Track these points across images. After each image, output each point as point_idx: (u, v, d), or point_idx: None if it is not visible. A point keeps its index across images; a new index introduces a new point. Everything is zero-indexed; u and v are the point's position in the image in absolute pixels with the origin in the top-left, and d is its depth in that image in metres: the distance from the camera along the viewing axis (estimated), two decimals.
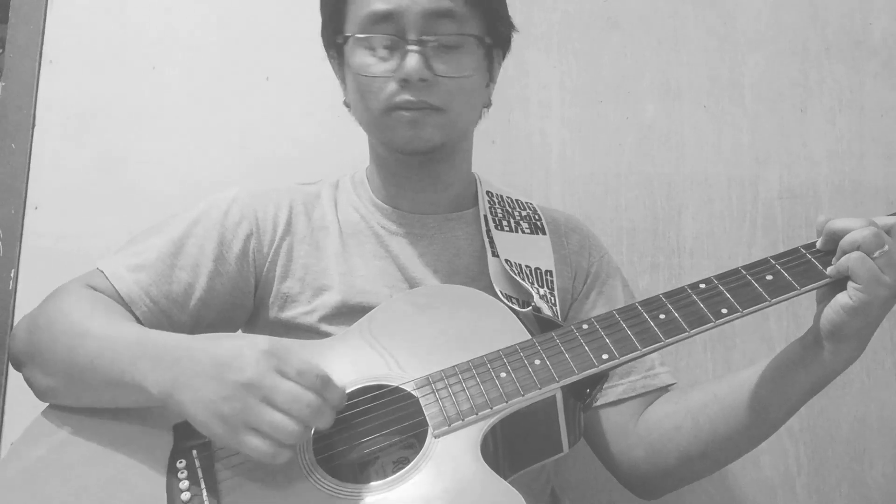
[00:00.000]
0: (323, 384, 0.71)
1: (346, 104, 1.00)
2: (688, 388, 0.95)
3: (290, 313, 0.93)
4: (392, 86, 0.89)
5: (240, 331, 0.99)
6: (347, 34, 0.92)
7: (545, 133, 1.36)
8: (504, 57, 1.02)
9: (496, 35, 0.96)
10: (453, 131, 0.94)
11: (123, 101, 1.31)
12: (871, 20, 1.42)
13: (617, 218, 1.35)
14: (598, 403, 0.97)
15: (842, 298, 0.75)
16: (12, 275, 1.24)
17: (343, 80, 0.99)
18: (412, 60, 0.87)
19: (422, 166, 0.97)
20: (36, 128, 1.29)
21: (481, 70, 0.95)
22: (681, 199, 1.36)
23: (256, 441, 0.69)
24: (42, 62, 1.30)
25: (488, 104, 1.02)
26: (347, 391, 0.80)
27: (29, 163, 1.28)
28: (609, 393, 0.97)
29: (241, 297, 0.94)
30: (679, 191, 1.36)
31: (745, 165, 1.37)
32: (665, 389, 0.99)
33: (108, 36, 1.32)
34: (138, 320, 0.89)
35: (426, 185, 0.99)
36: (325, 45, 1.00)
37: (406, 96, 0.89)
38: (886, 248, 0.74)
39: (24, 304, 1.23)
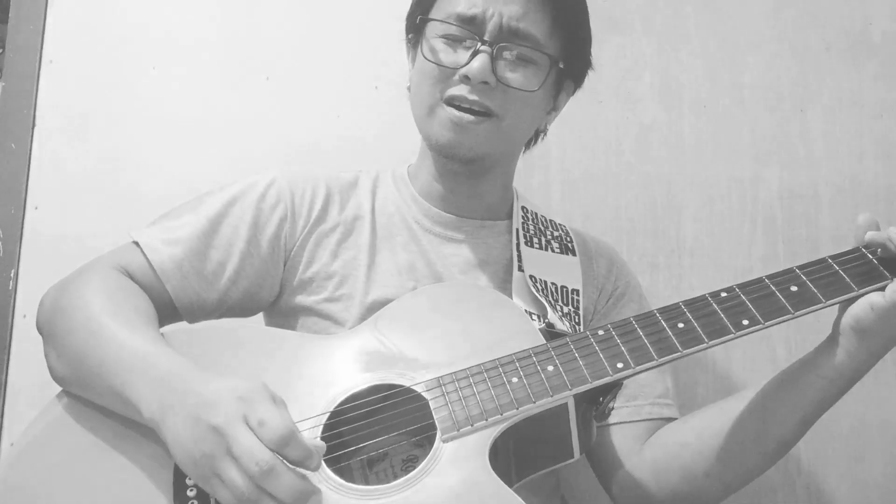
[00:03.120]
0: (282, 441, 0.64)
1: (409, 89, 1.00)
2: (694, 411, 0.94)
3: (312, 298, 0.94)
4: (455, 79, 0.90)
5: (261, 314, 0.99)
6: (428, 16, 0.93)
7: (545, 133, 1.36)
8: (574, 91, 1.03)
9: (570, 65, 0.97)
10: (501, 143, 0.95)
11: (123, 101, 1.31)
12: (871, 20, 1.42)
13: (617, 218, 1.35)
14: (601, 423, 0.94)
15: (873, 297, 0.74)
16: (12, 275, 1.24)
17: (413, 65, 1.00)
18: (479, 60, 0.89)
19: (458, 172, 0.98)
20: (36, 128, 1.28)
21: (547, 93, 0.97)
22: (681, 199, 1.36)
23: (226, 495, 0.66)
24: (42, 62, 1.30)
25: (544, 131, 1.04)
26: (357, 390, 0.80)
27: (29, 163, 1.27)
28: (613, 415, 0.95)
29: (269, 279, 0.95)
30: (679, 191, 1.36)
31: (745, 165, 1.37)
32: (668, 420, 0.97)
33: (108, 36, 1.32)
34: (168, 295, 0.89)
35: (463, 188, 1.00)
36: (406, 28, 1.01)
37: (464, 93, 0.90)
38: None
39: (24, 304, 1.23)
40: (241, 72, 1.34)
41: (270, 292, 0.96)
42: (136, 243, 0.91)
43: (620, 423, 0.96)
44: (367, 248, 0.96)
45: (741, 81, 1.40)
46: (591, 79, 1.37)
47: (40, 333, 0.87)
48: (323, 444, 0.69)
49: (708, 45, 1.40)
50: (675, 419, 0.97)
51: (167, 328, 0.87)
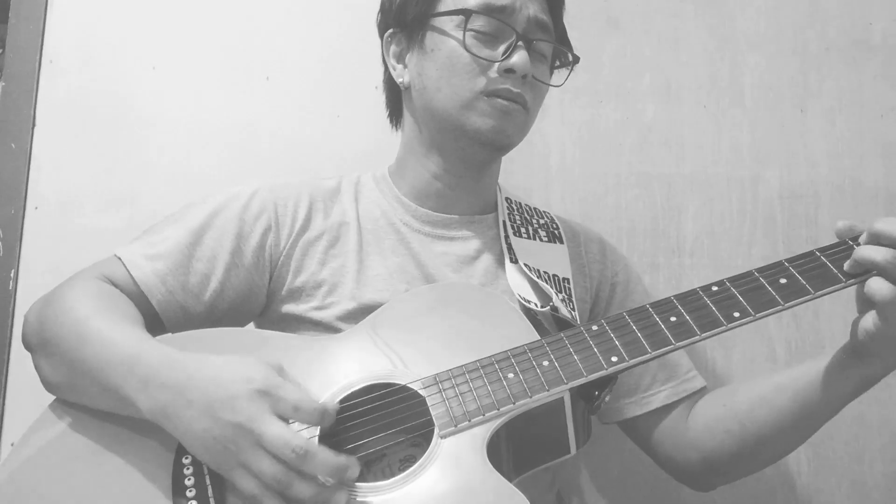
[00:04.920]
0: (322, 415, 0.71)
1: (403, 86, 1.00)
2: (734, 389, 0.97)
3: (302, 307, 0.93)
4: (492, 73, 0.91)
5: (251, 324, 0.99)
6: (463, 7, 0.92)
7: (545, 133, 1.36)
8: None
9: (563, 60, 1.02)
10: (524, 135, 0.98)
11: (123, 101, 1.31)
12: (871, 20, 1.42)
13: (617, 218, 1.35)
14: (644, 411, 1.00)
15: (864, 322, 0.75)
16: (12, 275, 1.24)
17: (399, 60, 1.00)
18: (523, 55, 0.91)
19: (477, 163, 0.98)
20: (36, 128, 1.28)
21: None
22: (681, 199, 1.36)
23: (250, 484, 0.69)
24: (42, 62, 1.30)
25: None
26: (353, 390, 0.80)
27: (29, 163, 1.27)
28: (652, 400, 0.99)
29: (255, 290, 0.94)
30: (679, 191, 1.36)
31: (745, 165, 1.37)
32: (701, 391, 1.01)
33: (108, 36, 1.32)
34: (153, 310, 0.89)
35: (466, 183, 1.00)
36: (392, 22, 1.00)
37: (508, 85, 0.91)
38: None
39: (25, 305, 1.23)
40: (241, 72, 1.34)
41: (256, 303, 0.95)
42: (119, 259, 0.90)
43: (663, 406, 0.99)
44: (354, 253, 0.96)
45: (741, 81, 1.40)
46: (591, 79, 1.38)
47: (28, 349, 0.87)
48: (335, 405, 0.75)
49: (708, 45, 1.40)
50: (704, 387, 1.02)
51: (158, 337, 0.87)
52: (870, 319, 0.74)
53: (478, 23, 0.92)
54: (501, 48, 0.92)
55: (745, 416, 0.91)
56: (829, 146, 1.39)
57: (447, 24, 0.93)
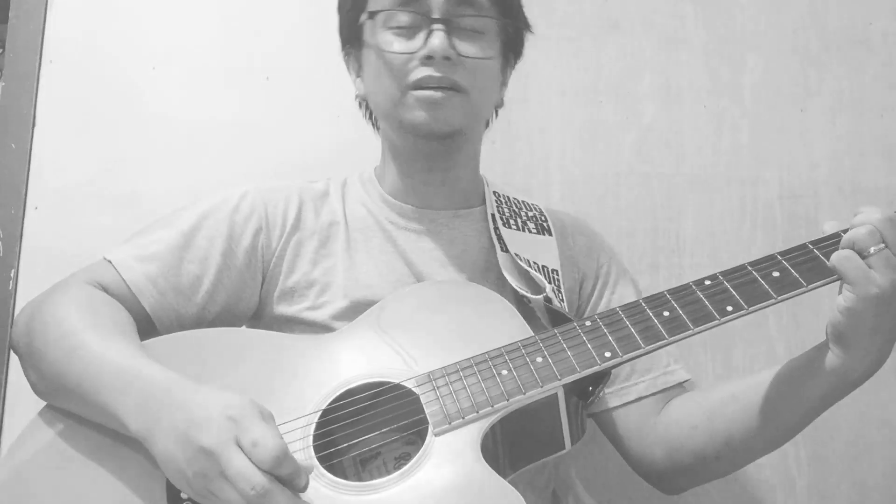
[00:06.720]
0: (276, 462, 0.65)
1: (361, 99, 1.01)
2: (708, 389, 0.95)
3: (295, 308, 0.93)
4: (415, 64, 0.90)
5: (244, 326, 0.99)
6: (372, 10, 0.93)
7: (545, 133, 1.36)
8: (515, 63, 1.04)
9: (515, 29, 0.98)
10: (473, 116, 0.95)
11: (123, 101, 1.31)
12: (871, 20, 1.42)
13: (617, 218, 1.35)
14: (621, 402, 0.98)
15: (839, 298, 0.74)
16: (12, 275, 1.24)
17: (358, 74, 1.00)
18: (438, 37, 0.89)
19: (434, 155, 0.97)
20: (36, 128, 1.29)
21: (497, 63, 0.97)
22: (681, 199, 1.36)
23: None
24: (42, 62, 1.30)
25: (500, 104, 1.03)
26: (348, 388, 0.80)
27: (29, 163, 1.27)
28: (630, 391, 0.98)
29: (247, 292, 0.95)
30: (679, 191, 1.36)
31: (745, 165, 1.37)
32: (681, 386, 1.00)
33: (108, 36, 1.32)
34: (145, 312, 0.89)
35: (436, 177, 1.00)
36: (342, 40, 1.02)
37: (429, 72, 0.89)
38: (882, 245, 0.72)
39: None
40: (241, 72, 1.34)
41: (249, 305, 0.95)
42: (109, 262, 0.90)
43: (639, 399, 0.97)
44: (344, 252, 0.96)
45: (741, 81, 1.40)
46: (591, 79, 1.38)
47: (16, 353, 0.87)
48: (311, 465, 0.70)
49: (708, 45, 1.40)
50: (687, 380, 1.00)
51: (155, 339, 0.86)
52: (841, 298, 0.73)
53: (394, 20, 0.92)
54: (421, 37, 0.91)
55: (714, 412, 0.89)
56: (829, 146, 1.38)
57: (370, 31, 0.95)
